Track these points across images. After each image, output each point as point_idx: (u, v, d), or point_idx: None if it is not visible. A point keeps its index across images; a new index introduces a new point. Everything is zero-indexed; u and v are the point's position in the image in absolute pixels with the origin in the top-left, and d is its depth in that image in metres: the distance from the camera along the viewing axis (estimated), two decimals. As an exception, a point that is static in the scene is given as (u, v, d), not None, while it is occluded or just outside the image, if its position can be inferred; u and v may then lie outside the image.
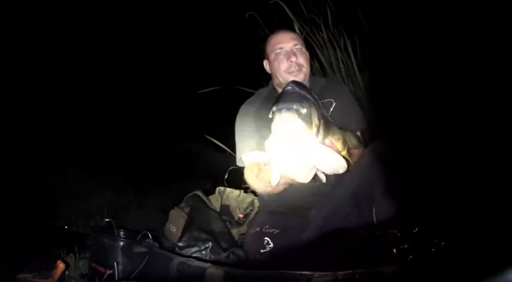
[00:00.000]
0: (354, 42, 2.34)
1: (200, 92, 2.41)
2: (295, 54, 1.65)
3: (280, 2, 2.30)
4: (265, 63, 1.75)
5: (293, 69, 1.63)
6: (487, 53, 2.03)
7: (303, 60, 1.65)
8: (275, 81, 1.74)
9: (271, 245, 1.45)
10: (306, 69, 1.65)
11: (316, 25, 2.36)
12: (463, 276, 0.93)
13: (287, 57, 1.64)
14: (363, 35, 2.37)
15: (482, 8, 2.08)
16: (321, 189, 1.47)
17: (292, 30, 1.81)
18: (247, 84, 2.28)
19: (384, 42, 2.31)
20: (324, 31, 2.34)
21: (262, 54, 1.76)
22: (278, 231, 1.50)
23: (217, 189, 1.82)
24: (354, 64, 2.33)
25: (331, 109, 1.62)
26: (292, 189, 1.46)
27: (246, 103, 1.74)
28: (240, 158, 1.60)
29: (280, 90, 1.60)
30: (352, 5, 2.39)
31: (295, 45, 1.67)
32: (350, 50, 2.32)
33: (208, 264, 1.24)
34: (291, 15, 2.32)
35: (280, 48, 1.66)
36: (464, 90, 2.04)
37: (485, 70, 2.02)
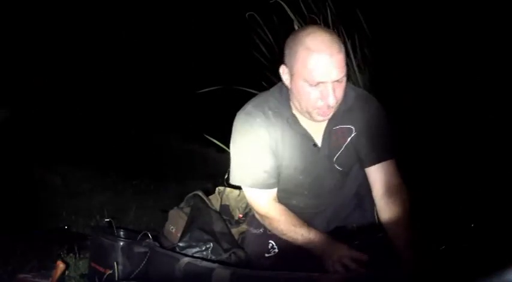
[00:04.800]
0: (354, 42, 2.34)
1: (200, 91, 2.41)
2: (334, 92, 1.20)
3: (281, 2, 2.29)
4: (282, 71, 1.29)
5: (325, 110, 1.24)
6: (487, 54, 2.03)
7: (341, 93, 1.24)
8: (295, 104, 1.32)
9: (276, 250, 1.41)
10: (340, 99, 1.26)
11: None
12: (463, 276, 0.93)
13: (323, 96, 1.21)
14: (363, 35, 2.37)
15: (482, 7, 2.08)
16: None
17: (335, 38, 1.24)
18: (247, 84, 2.28)
19: (384, 42, 2.31)
20: (324, 31, 2.34)
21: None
22: None
23: (217, 189, 1.82)
24: (354, 64, 2.32)
25: (349, 138, 1.38)
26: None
27: (252, 111, 1.36)
28: (246, 185, 1.39)
29: (299, 116, 1.33)
30: (352, 5, 2.39)
31: (339, 77, 1.20)
32: (350, 50, 2.32)
33: (216, 265, 1.24)
34: (291, 15, 2.31)
35: (318, 83, 1.20)
36: (465, 89, 2.04)
37: (486, 71, 2.02)
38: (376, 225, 1.39)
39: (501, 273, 0.58)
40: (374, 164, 1.37)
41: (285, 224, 1.33)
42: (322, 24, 2.33)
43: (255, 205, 1.40)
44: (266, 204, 1.37)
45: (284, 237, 1.33)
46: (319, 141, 1.37)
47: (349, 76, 2.34)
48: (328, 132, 1.36)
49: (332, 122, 1.35)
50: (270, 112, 1.34)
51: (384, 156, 1.36)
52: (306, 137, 1.36)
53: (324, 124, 1.36)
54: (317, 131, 1.37)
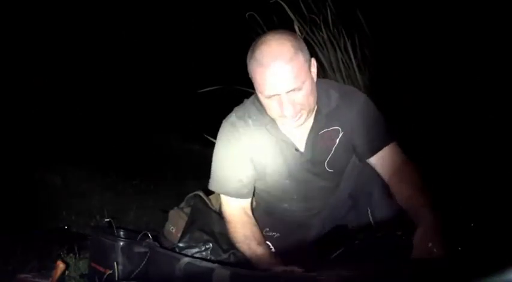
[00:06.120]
0: (354, 42, 2.34)
1: (200, 91, 2.41)
2: (291, 102, 1.18)
3: (281, 2, 2.30)
4: (251, 76, 1.27)
5: (288, 119, 1.23)
6: (487, 54, 2.03)
7: (304, 99, 1.20)
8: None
9: (273, 250, 1.41)
10: (308, 106, 1.23)
11: (316, 25, 2.36)
12: (463, 276, 0.93)
13: (280, 107, 1.20)
14: (363, 35, 2.37)
15: (482, 7, 2.08)
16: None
17: (286, 47, 1.17)
18: (247, 84, 2.28)
19: (384, 42, 2.32)
20: (324, 31, 2.34)
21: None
22: (279, 235, 1.48)
23: (216, 189, 1.82)
24: (354, 64, 2.33)
25: (338, 139, 1.38)
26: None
27: (235, 121, 1.37)
28: (219, 192, 1.43)
29: (276, 122, 1.32)
30: (352, 5, 2.39)
31: (293, 87, 1.16)
32: (350, 50, 2.32)
33: (216, 265, 1.24)
34: (291, 15, 2.32)
35: (270, 95, 1.19)
36: (465, 89, 2.04)
37: (486, 70, 2.02)
38: (372, 226, 1.40)
39: (501, 273, 0.58)
40: (374, 153, 1.36)
41: (239, 233, 1.36)
42: (322, 24, 2.33)
43: (224, 210, 1.44)
44: (233, 212, 1.41)
45: (237, 246, 1.36)
46: (302, 145, 1.37)
47: (349, 76, 2.35)
48: (312, 137, 1.35)
49: (316, 126, 1.34)
50: (250, 121, 1.35)
51: (381, 144, 1.35)
52: (287, 142, 1.36)
53: (308, 128, 1.35)
54: (301, 136, 1.36)
